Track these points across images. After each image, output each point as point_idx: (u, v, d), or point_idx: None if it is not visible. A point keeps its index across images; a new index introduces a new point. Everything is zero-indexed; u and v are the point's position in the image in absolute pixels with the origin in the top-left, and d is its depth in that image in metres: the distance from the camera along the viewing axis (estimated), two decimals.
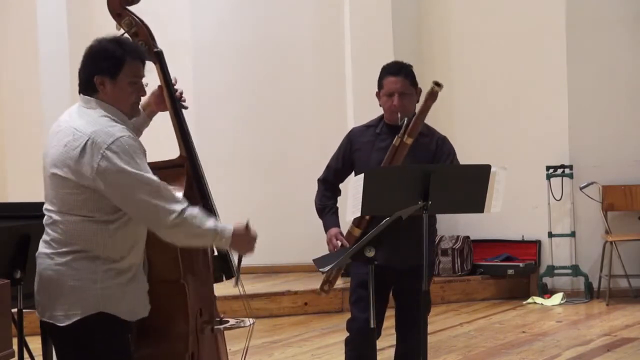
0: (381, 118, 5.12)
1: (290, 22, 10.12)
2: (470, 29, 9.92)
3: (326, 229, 5.10)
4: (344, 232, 5.02)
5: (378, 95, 5.07)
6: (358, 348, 5.02)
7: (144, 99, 4.18)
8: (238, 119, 10.11)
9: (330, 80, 10.07)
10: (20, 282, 4.18)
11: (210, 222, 3.81)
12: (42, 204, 3.97)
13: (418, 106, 5.01)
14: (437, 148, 5.02)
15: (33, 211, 3.96)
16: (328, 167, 5.23)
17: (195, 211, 3.80)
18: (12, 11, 10.21)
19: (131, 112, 3.93)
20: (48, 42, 9.92)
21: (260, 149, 10.10)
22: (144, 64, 3.93)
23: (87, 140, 3.72)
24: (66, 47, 9.87)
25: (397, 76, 4.99)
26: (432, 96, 4.85)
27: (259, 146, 10.10)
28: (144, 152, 3.82)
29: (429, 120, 5.07)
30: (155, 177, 3.76)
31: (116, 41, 3.90)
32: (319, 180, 5.24)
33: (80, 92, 3.90)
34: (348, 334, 5.10)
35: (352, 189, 4.59)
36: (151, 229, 3.82)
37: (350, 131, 5.23)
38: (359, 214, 4.56)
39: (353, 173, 5.13)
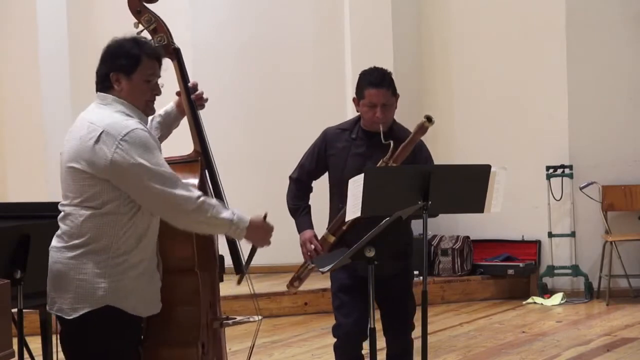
0: (356, 121, 5.06)
1: (289, 22, 10.12)
2: (470, 29, 9.91)
3: (300, 231, 5.10)
4: (319, 234, 5.03)
5: (356, 102, 5.00)
6: (347, 353, 5.05)
7: (176, 100, 4.32)
8: (237, 119, 10.11)
9: (330, 80, 10.07)
10: (20, 282, 4.18)
11: (226, 212, 3.88)
12: (42, 203, 3.99)
13: (399, 115, 4.99)
14: (415, 154, 4.96)
15: (33, 211, 3.97)
16: (301, 166, 5.19)
17: (212, 201, 3.89)
18: (12, 11, 10.21)
19: (145, 110, 3.97)
20: (48, 42, 9.92)
21: (259, 149, 10.10)
22: (160, 63, 3.99)
23: (102, 132, 3.77)
24: (66, 47, 9.87)
25: (380, 88, 4.90)
26: (422, 130, 4.81)
27: (258, 146, 10.09)
28: (158, 146, 3.87)
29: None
30: (169, 169, 3.82)
31: (133, 40, 3.96)
32: (290, 178, 5.21)
33: (97, 90, 3.95)
34: (335, 340, 5.10)
35: (352, 188, 4.59)
36: (167, 219, 3.86)
37: (325, 133, 5.15)
38: (359, 214, 4.56)
39: (327, 174, 5.12)
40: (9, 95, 10.29)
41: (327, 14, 10.12)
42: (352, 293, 4.98)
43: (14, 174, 10.20)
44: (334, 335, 5.09)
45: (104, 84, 3.91)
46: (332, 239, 4.95)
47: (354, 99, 5.03)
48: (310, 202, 5.19)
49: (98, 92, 3.94)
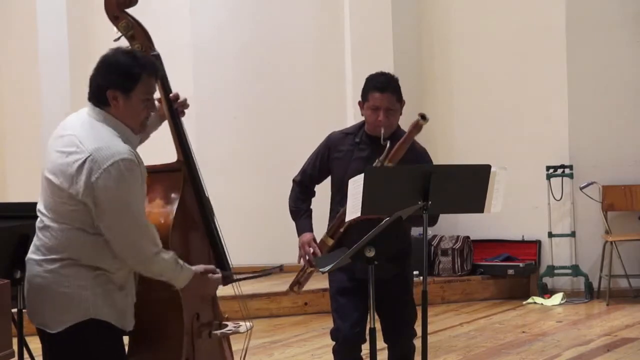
0: (361, 126, 5.06)
1: (290, 22, 10.12)
2: (470, 29, 9.92)
3: (299, 233, 5.08)
4: (319, 237, 5.03)
5: (361, 105, 5.01)
6: (346, 356, 5.04)
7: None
8: (238, 119, 10.11)
9: (330, 81, 10.07)
10: (20, 282, 4.16)
11: (173, 272, 3.84)
12: None
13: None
14: (418, 161, 4.94)
15: (33, 211, 3.95)
16: (304, 170, 5.18)
17: (167, 256, 3.81)
18: (12, 11, 10.21)
19: (140, 128, 3.90)
20: (48, 42, 9.92)
21: (260, 149, 10.10)
22: (157, 79, 3.91)
23: (88, 156, 3.68)
24: (66, 47, 9.87)
25: (384, 93, 4.90)
26: (417, 128, 4.81)
27: (258, 146, 10.10)
28: (143, 175, 3.79)
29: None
30: (142, 213, 3.75)
31: (133, 56, 3.84)
32: (294, 181, 5.20)
33: (89, 99, 3.85)
34: (334, 343, 5.10)
35: (352, 189, 4.58)
36: (120, 256, 3.76)
37: (329, 137, 5.15)
38: (359, 214, 4.56)
39: (330, 178, 5.12)
40: (9, 95, 10.30)
41: (327, 14, 10.12)
42: (350, 295, 4.97)
43: (14, 174, 10.20)
44: (333, 339, 5.08)
45: (99, 98, 3.80)
46: (330, 241, 4.94)
47: (359, 103, 5.02)
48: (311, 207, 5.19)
49: (91, 104, 3.83)
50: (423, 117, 4.78)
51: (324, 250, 4.95)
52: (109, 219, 3.69)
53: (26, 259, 3.87)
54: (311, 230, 5.07)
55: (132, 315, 3.91)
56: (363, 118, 5.11)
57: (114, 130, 3.78)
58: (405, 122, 5.27)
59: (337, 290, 5.05)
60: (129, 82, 3.77)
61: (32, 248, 3.85)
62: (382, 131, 4.86)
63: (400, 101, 4.98)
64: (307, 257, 5.00)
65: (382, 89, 4.91)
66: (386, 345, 5.14)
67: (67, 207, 3.73)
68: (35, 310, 3.83)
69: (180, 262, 3.88)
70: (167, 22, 9.79)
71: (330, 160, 5.08)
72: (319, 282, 5.34)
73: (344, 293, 5.00)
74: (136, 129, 3.88)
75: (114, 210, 3.68)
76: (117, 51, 3.85)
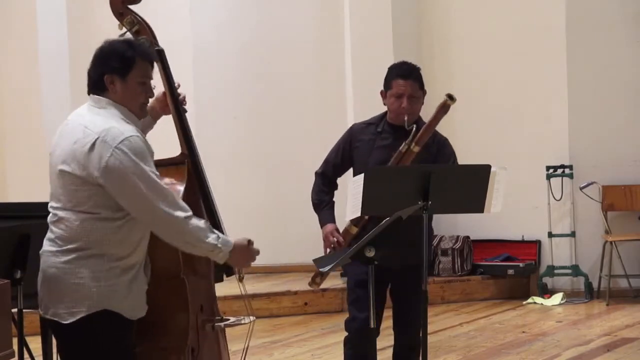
0: (383, 116, 5.11)
1: (290, 21, 10.12)
2: (471, 29, 9.92)
3: (322, 225, 5.12)
4: (341, 229, 5.04)
5: (383, 94, 5.06)
6: (357, 348, 5.04)
7: (149, 103, 4.22)
8: (238, 118, 10.11)
9: (330, 80, 10.07)
10: (20, 282, 4.18)
11: (212, 237, 3.85)
12: (42, 203, 3.98)
13: (424, 112, 5.01)
14: (438, 151, 5.02)
15: (33, 211, 3.97)
16: (326, 161, 5.23)
17: (200, 222, 3.84)
18: (12, 11, 10.21)
19: (140, 112, 3.97)
20: (48, 42, 9.93)
21: (260, 149, 10.11)
22: (152, 65, 3.98)
23: (97, 138, 3.75)
24: (66, 47, 9.88)
25: (408, 79, 4.99)
26: (444, 109, 4.87)
27: (259, 146, 10.10)
28: (151, 153, 3.86)
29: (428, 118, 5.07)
30: (161, 182, 3.80)
31: (127, 42, 3.96)
32: (316, 173, 5.25)
33: (89, 92, 3.94)
34: (347, 334, 5.11)
35: (352, 188, 4.60)
36: (155, 231, 3.86)
37: (352, 127, 5.23)
38: (359, 214, 4.57)
39: (352, 169, 5.14)
40: (9, 95, 10.30)
41: (327, 14, 10.12)
42: (368, 288, 4.97)
43: (14, 174, 10.21)
44: (346, 329, 5.10)
45: (97, 86, 3.90)
46: (354, 230, 4.96)
47: (381, 92, 5.08)
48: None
49: (91, 95, 3.93)
50: (450, 97, 4.84)
51: (348, 238, 4.96)
52: (126, 194, 3.75)
53: (40, 252, 3.90)
54: (333, 221, 5.10)
55: (144, 302, 3.95)
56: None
57: (118, 113, 3.87)
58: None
59: (356, 282, 5.06)
60: (124, 65, 3.87)
61: (46, 242, 3.89)
62: (406, 118, 4.88)
63: (423, 89, 5.04)
64: (332, 246, 5.01)
65: (405, 76, 4.99)
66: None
67: (81, 192, 3.78)
68: (48, 301, 3.86)
69: (216, 232, 3.88)
70: (167, 22, 9.77)
71: (352, 150, 5.12)
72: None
73: (363, 285, 5.00)
74: (137, 113, 3.95)
75: (128, 183, 3.73)
76: (112, 40, 3.97)
